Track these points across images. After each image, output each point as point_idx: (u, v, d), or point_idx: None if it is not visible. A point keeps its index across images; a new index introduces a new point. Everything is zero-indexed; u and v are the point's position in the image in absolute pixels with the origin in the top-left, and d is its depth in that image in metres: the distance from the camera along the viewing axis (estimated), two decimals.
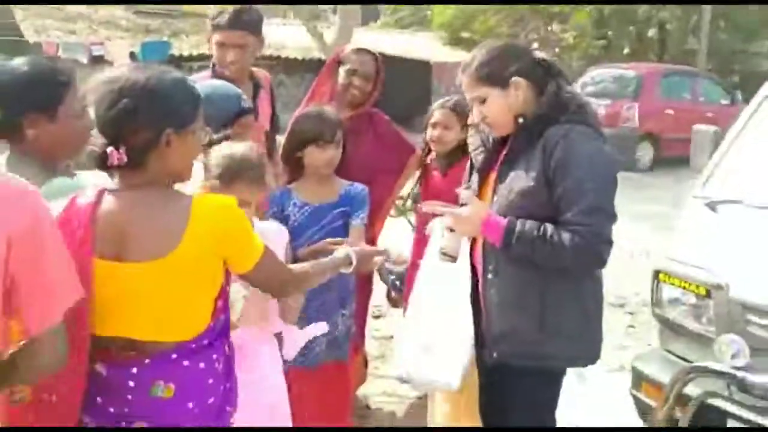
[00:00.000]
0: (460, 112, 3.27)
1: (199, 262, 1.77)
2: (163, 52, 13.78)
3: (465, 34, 19.87)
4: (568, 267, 2.32)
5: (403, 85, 15.56)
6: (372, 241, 3.31)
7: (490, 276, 2.46)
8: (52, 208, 1.63)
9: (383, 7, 27.18)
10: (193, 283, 1.79)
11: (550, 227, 2.27)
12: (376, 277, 3.73)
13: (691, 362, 2.80)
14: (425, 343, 2.59)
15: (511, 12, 19.43)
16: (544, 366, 2.43)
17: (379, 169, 3.43)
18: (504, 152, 2.47)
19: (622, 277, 6.84)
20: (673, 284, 3.15)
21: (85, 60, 14.38)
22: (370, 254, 2.44)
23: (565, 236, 2.24)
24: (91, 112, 1.80)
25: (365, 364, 3.94)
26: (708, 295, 2.98)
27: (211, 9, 3.42)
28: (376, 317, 5.26)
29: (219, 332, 1.89)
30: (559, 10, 19.39)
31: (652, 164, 13.40)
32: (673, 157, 12.12)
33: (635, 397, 3.23)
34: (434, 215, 2.59)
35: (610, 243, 2.28)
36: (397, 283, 3.75)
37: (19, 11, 15.69)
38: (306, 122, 3.02)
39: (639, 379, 3.19)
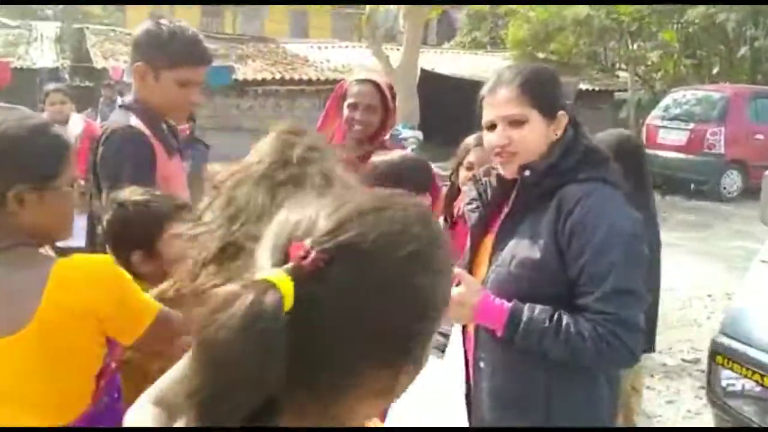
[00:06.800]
0: None
1: (62, 338, 1.53)
2: (226, 77, 13.72)
3: (541, 54, 19.14)
4: (588, 364, 1.86)
5: (464, 106, 15.07)
6: None
7: (482, 365, 1.98)
8: None
9: (459, 27, 26.79)
10: (57, 361, 1.54)
11: (565, 317, 1.79)
12: None
13: None
14: None
15: (590, 30, 18.56)
16: None
17: None
18: (506, 210, 1.97)
19: (698, 328, 6.11)
20: (732, 369, 2.53)
21: None
22: None
23: (585, 327, 1.77)
24: None
25: None
26: None
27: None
28: None
29: (101, 417, 1.62)
30: (642, 28, 18.45)
31: (739, 194, 12.41)
32: None
33: None
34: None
35: (640, 332, 1.81)
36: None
37: (92, 36, 15.99)
38: None
39: None
